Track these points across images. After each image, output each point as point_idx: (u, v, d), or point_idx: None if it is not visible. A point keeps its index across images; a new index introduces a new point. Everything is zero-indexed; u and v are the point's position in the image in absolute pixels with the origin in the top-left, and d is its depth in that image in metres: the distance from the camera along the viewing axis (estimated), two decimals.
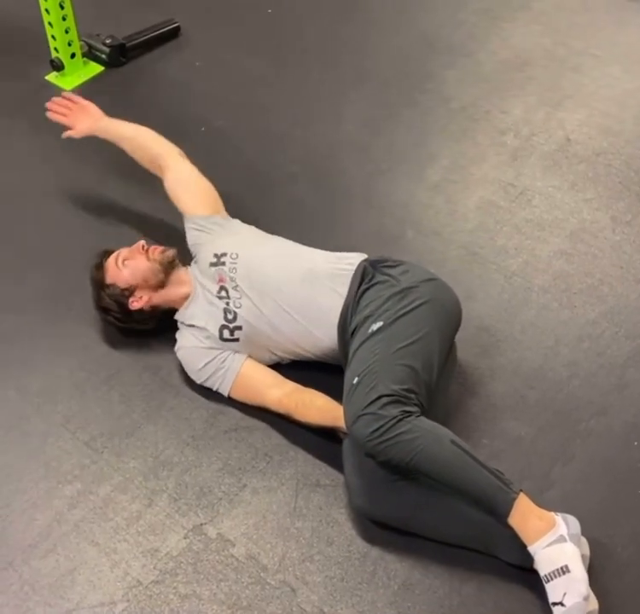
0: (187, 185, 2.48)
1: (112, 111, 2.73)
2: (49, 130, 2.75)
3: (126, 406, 2.27)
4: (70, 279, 2.56)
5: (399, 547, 1.97)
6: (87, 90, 3.22)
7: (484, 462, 1.87)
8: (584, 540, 1.87)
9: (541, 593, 1.83)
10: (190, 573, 1.95)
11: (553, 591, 1.79)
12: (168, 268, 2.31)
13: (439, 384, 2.05)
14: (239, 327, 2.20)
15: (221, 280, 2.23)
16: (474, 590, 1.90)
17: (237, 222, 2.44)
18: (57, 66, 3.25)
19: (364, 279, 2.15)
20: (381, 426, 1.83)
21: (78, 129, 2.67)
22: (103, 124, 2.65)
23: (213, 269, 2.26)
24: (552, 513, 1.87)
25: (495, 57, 3.36)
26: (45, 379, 2.33)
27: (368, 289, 2.13)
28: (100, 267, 2.33)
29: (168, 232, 2.58)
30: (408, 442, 1.83)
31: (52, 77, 3.29)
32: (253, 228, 2.43)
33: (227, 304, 2.21)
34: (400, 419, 1.84)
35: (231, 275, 2.23)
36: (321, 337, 2.15)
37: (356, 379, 1.94)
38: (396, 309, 2.05)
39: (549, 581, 1.79)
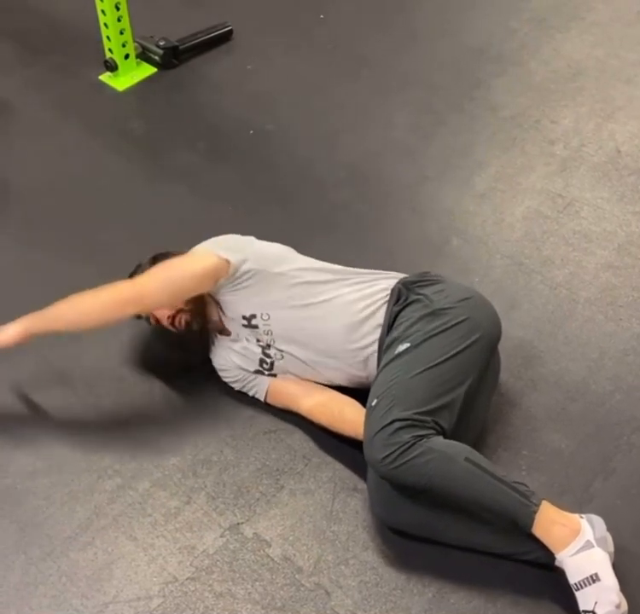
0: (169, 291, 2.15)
1: (164, 112, 2.77)
2: (101, 128, 2.79)
3: (167, 403, 2.29)
4: (115, 273, 2.59)
5: (435, 554, 1.96)
6: (139, 91, 3.27)
7: (502, 476, 1.85)
8: (608, 537, 1.85)
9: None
10: (226, 571, 1.96)
11: (584, 599, 1.78)
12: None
13: (479, 396, 2.04)
14: (274, 375, 2.22)
15: (258, 340, 2.19)
16: (510, 602, 1.89)
17: (251, 247, 2.18)
18: (111, 67, 3.30)
19: (398, 300, 2.11)
20: (393, 452, 1.83)
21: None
22: (28, 328, 2.10)
23: (247, 330, 2.18)
24: (576, 516, 1.85)
25: (546, 67, 3.34)
26: (90, 372, 2.36)
27: (401, 310, 2.09)
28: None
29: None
30: (421, 465, 1.82)
31: (105, 77, 3.34)
32: (267, 254, 2.18)
33: (264, 355, 2.19)
34: (412, 444, 1.83)
35: (267, 337, 2.16)
36: (363, 375, 2.14)
37: (374, 401, 1.93)
38: (425, 331, 2.01)
39: (579, 589, 1.78)
